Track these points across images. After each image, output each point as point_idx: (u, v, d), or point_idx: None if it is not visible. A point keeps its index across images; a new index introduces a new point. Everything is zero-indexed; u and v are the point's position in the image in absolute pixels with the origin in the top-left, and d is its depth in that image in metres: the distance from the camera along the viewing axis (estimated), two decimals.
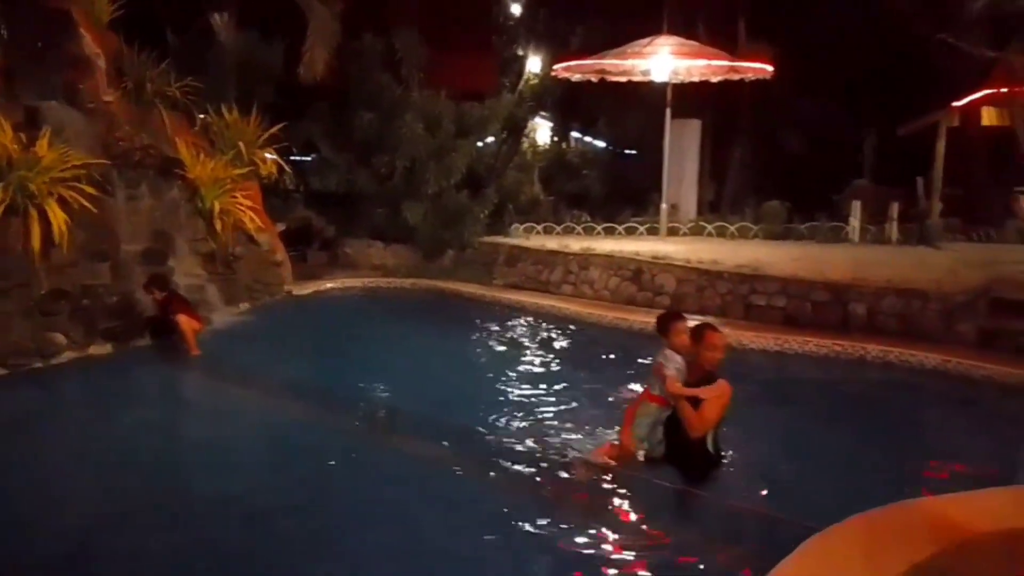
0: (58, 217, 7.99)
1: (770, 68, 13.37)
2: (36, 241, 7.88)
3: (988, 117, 15.31)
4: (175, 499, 4.96)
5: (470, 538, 4.44)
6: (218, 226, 10.35)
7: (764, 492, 5.09)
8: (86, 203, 8.31)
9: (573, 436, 6.06)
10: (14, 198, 7.88)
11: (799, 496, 4.99)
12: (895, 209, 13.92)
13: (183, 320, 8.35)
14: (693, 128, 16.54)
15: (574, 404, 6.99)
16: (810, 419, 6.76)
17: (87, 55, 10.16)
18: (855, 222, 13.94)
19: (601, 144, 21.86)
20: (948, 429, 6.68)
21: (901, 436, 6.32)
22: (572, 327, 10.26)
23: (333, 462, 5.66)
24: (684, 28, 14.66)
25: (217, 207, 10.29)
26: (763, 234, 14.45)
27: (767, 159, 17.75)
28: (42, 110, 9.27)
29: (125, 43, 11.02)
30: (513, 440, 5.96)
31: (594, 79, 14.36)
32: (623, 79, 14.44)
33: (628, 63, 13.45)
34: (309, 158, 15.21)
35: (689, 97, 15.03)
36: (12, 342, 7.63)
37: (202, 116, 12.14)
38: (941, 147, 15.21)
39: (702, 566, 4.17)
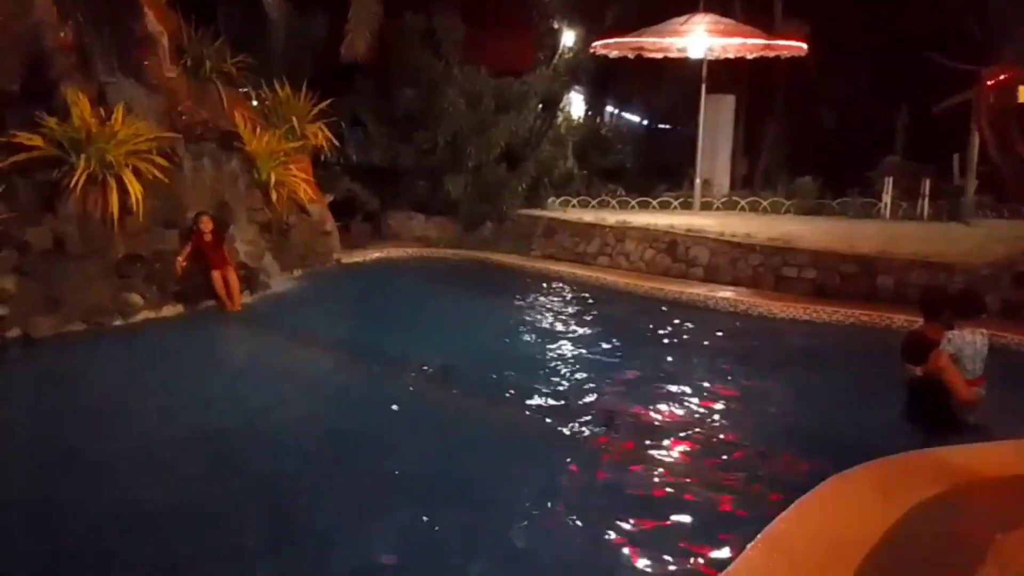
0: (134, 187, 8.61)
1: (804, 46, 13.59)
2: (114, 209, 8.52)
3: None
4: (222, 440, 5.52)
5: (510, 484, 4.93)
6: (274, 197, 10.95)
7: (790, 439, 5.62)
8: (158, 174, 8.91)
9: (608, 394, 6.58)
10: (94, 169, 8.51)
11: (819, 444, 5.50)
12: (927, 185, 14.13)
13: (215, 275, 9.04)
14: (728, 103, 16.79)
15: (611, 365, 7.52)
16: (835, 380, 7.20)
17: (151, 33, 10.68)
18: (887, 198, 14.19)
19: (635, 119, 22.15)
20: None
21: None
22: (609, 296, 10.75)
23: (380, 411, 6.20)
24: (720, 5, 14.90)
25: (273, 179, 10.88)
26: (795, 209, 14.75)
27: (801, 134, 17.95)
28: (112, 87, 9.85)
29: (183, 21, 11.56)
30: (550, 395, 6.48)
31: (631, 56, 14.66)
32: (659, 56, 14.73)
33: (665, 41, 13.75)
34: (354, 130, 15.70)
35: (724, 72, 15.28)
36: (93, 301, 8.31)
37: (255, 91, 12.68)
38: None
39: (734, 502, 4.67)
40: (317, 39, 14.45)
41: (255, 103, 12.39)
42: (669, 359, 7.83)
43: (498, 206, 14.63)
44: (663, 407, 6.26)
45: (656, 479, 4.96)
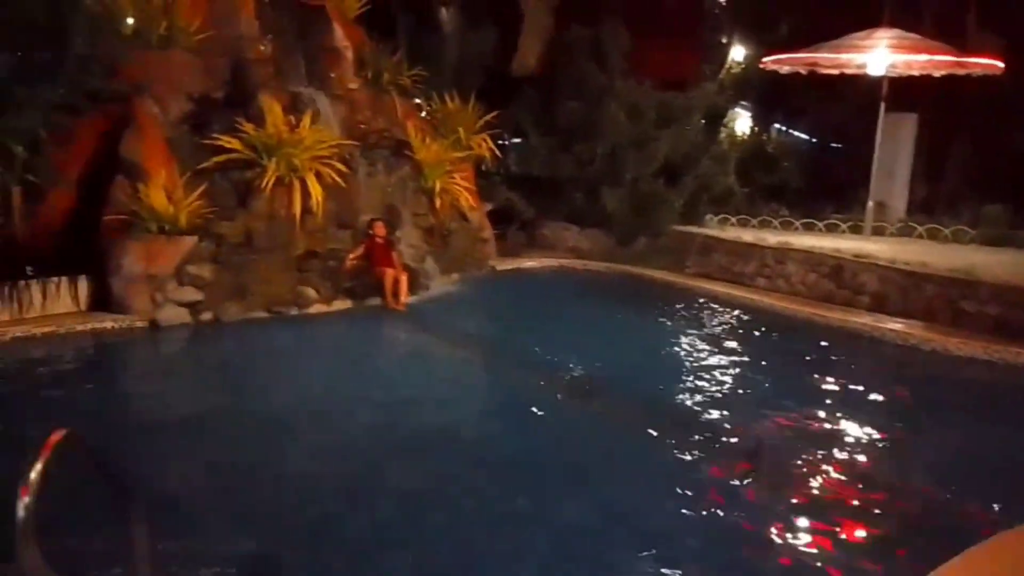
0: (316, 189, 9.33)
1: (1001, 64, 12.53)
2: (297, 208, 9.27)
3: None
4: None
5: (646, 493, 5.01)
6: (438, 203, 11.47)
7: (958, 489, 5.23)
8: (337, 178, 9.61)
9: (757, 422, 6.39)
10: (282, 171, 9.30)
11: (991, 497, 5.09)
12: None
13: (388, 274, 9.55)
14: (909, 123, 15.74)
15: (762, 390, 7.31)
16: (1016, 429, 6.61)
17: (337, 47, 11.54)
18: None
19: (803, 136, 21.22)
20: None
21: None
22: (765, 319, 10.39)
23: (520, 413, 6.47)
24: (906, 19, 14.02)
25: (438, 186, 11.41)
26: (981, 239, 13.59)
27: (991, 157, 16.50)
28: (302, 96, 10.71)
29: (366, 35, 12.35)
30: (697, 418, 6.37)
31: (803, 71, 14.11)
32: (835, 72, 14.08)
33: (843, 56, 13.12)
34: (515, 142, 16.12)
35: (905, 89, 14.35)
36: (274, 292, 9.09)
37: (427, 102, 13.34)
38: None
39: (889, 551, 4.43)
40: (486, 52, 14.97)
41: (425, 114, 13.02)
42: (827, 391, 7.48)
43: (653, 221, 14.53)
44: (816, 442, 6.00)
45: (802, 520, 4.75)
